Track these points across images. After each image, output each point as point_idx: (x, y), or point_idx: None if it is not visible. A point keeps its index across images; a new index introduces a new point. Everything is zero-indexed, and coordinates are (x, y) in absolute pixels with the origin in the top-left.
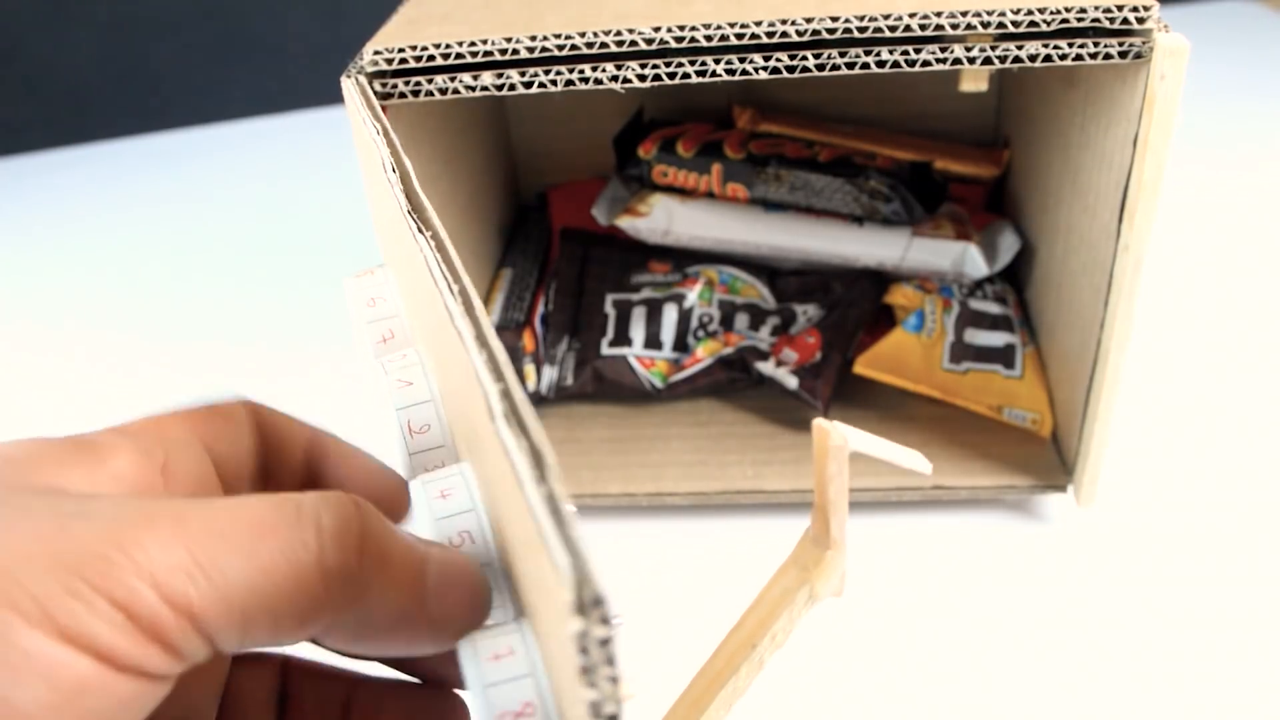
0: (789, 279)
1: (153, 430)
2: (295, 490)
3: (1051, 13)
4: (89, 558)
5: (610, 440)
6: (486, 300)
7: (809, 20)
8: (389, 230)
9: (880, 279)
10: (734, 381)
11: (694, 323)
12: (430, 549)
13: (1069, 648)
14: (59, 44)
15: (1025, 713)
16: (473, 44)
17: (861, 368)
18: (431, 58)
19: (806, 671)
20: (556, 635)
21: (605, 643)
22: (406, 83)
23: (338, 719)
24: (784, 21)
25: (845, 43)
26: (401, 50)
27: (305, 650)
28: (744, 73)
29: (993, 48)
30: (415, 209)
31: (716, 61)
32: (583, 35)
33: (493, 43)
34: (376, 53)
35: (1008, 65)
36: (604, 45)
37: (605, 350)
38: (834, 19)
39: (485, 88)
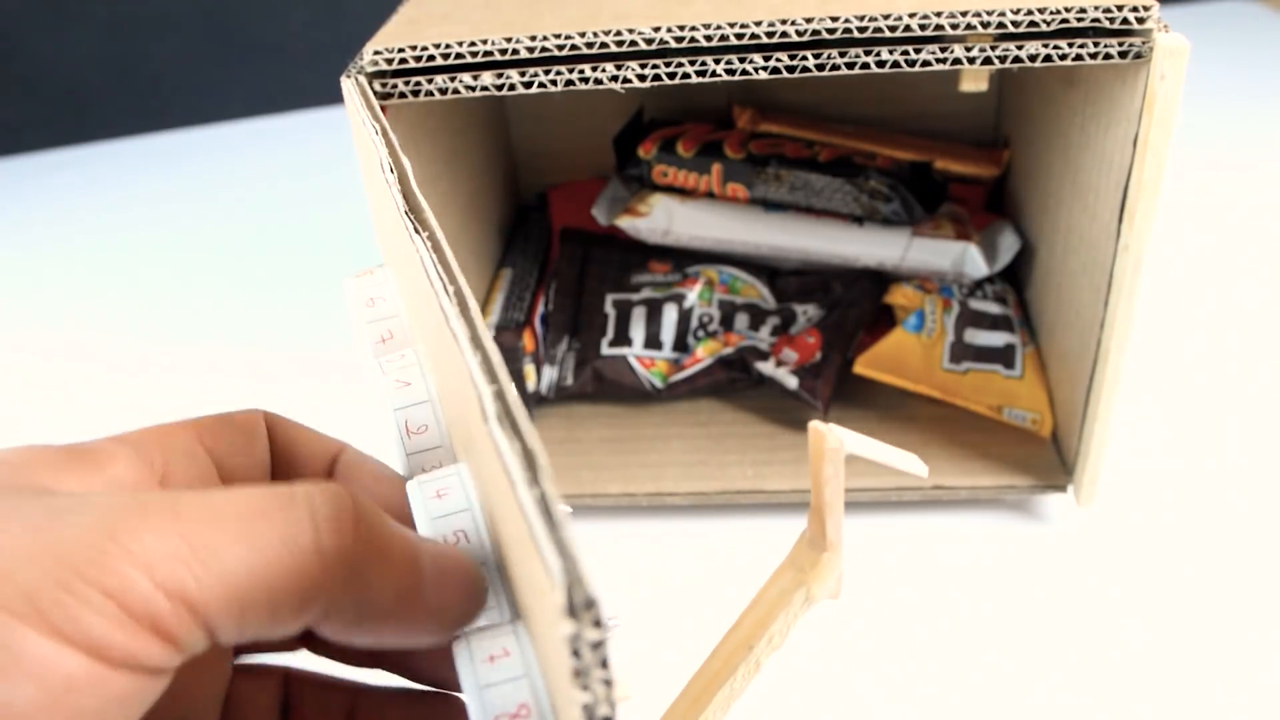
0: (789, 279)
1: (154, 439)
2: None
3: (1051, 13)
4: (81, 550)
5: (610, 440)
6: (486, 300)
7: (809, 20)
8: (388, 230)
9: (880, 279)
10: (734, 381)
11: (694, 323)
12: (425, 543)
13: (1069, 647)
14: (59, 44)
15: (1025, 713)
16: (473, 44)
17: (861, 368)
18: (431, 58)
19: (806, 672)
20: (549, 638)
21: (598, 645)
22: (406, 83)
23: None
24: (784, 21)
25: (845, 43)
26: (401, 50)
27: (308, 661)
28: (744, 73)
29: (993, 48)
30: (412, 209)
31: (716, 61)
32: (583, 35)
33: (493, 43)
34: (376, 53)
35: (1008, 65)
36: (604, 45)
37: (605, 350)
38: (834, 19)
39: (485, 88)
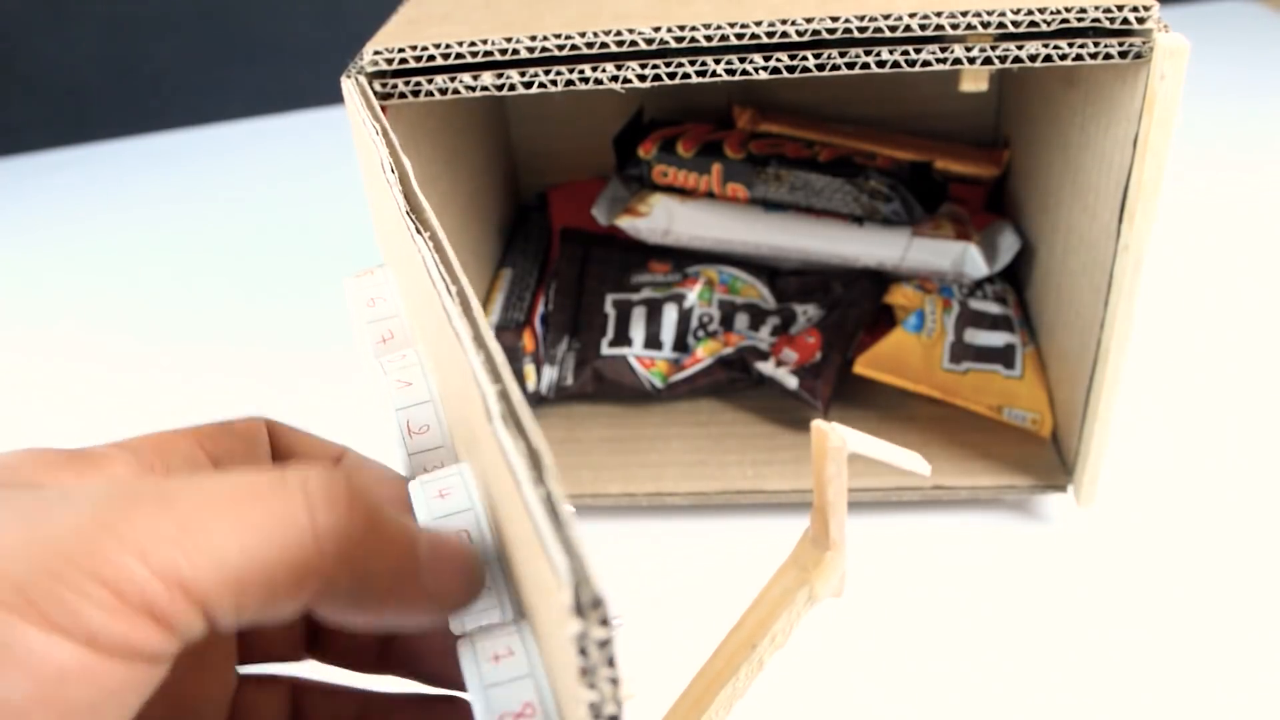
0: (789, 279)
1: (154, 444)
2: None
3: (1051, 13)
4: (72, 538)
5: (610, 440)
6: (486, 300)
7: (809, 20)
8: (388, 230)
9: (880, 279)
10: (734, 381)
11: (694, 323)
12: (423, 529)
13: (1069, 647)
14: (59, 44)
15: (1025, 712)
16: (473, 44)
17: (861, 368)
18: (431, 58)
19: (806, 672)
20: (556, 636)
21: (604, 644)
22: (406, 83)
23: None
24: (784, 21)
25: (845, 43)
26: (401, 50)
27: (316, 671)
28: (744, 73)
29: (993, 48)
30: (414, 209)
31: (716, 61)
32: (583, 35)
33: (493, 43)
34: (376, 53)
35: (1008, 65)
36: (604, 45)
37: (605, 350)
38: (834, 19)
39: (485, 88)
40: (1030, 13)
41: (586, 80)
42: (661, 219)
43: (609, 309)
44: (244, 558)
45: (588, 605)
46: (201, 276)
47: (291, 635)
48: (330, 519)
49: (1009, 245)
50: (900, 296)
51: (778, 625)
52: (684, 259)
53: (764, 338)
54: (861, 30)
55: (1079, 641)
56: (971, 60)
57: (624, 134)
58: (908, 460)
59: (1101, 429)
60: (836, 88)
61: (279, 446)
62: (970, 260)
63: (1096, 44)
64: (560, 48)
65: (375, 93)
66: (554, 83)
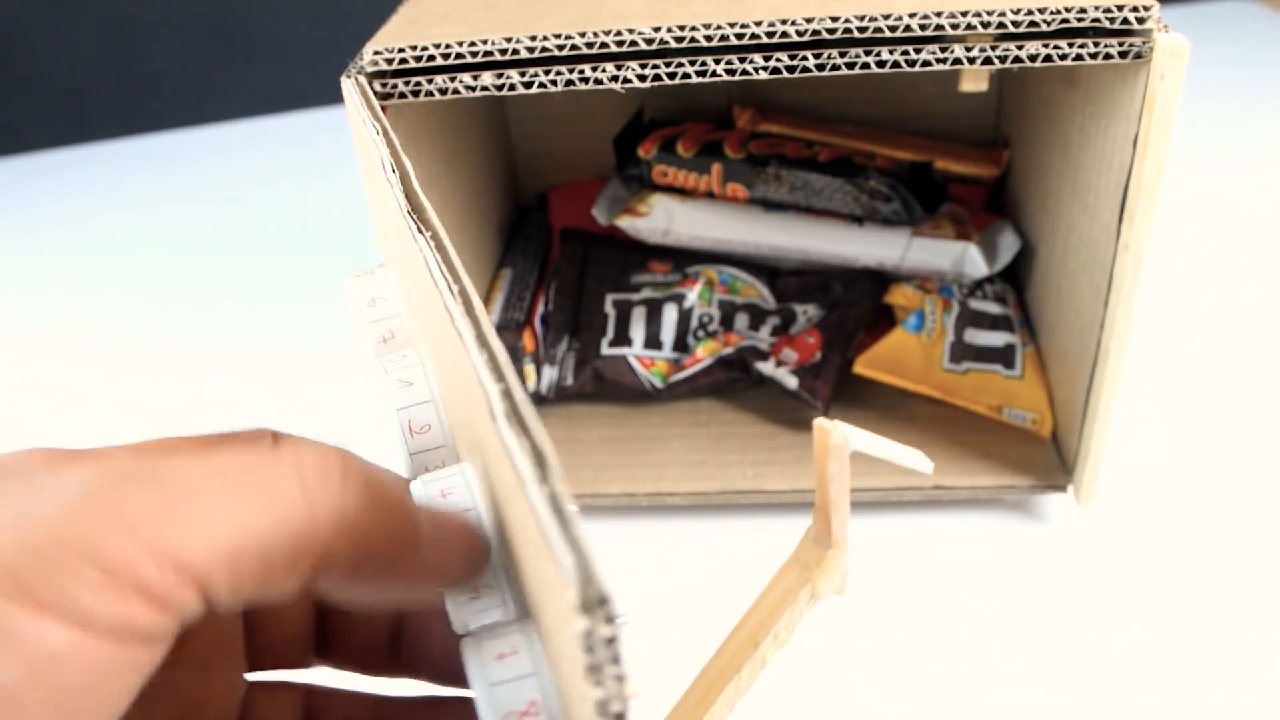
0: (789, 279)
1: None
2: None
3: (1051, 13)
4: (61, 520)
5: (610, 440)
6: (486, 300)
7: (809, 20)
8: (389, 230)
9: (880, 279)
10: (734, 381)
11: (694, 323)
12: (423, 507)
13: (1069, 647)
14: (59, 44)
15: (1025, 712)
16: (473, 44)
17: (861, 368)
18: (431, 58)
19: (806, 672)
20: (562, 634)
21: (611, 641)
22: (406, 83)
23: None
24: (784, 21)
25: (845, 43)
26: (401, 50)
27: (328, 677)
28: (744, 73)
29: (993, 48)
30: (415, 209)
31: (716, 61)
32: (583, 35)
33: (493, 43)
34: (376, 53)
35: (1008, 65)
36: (604, 45)
37: (605, 350)
38: (834, 19)
39: (485, 88)
40: (1030, 13)
41: (586, 80)
42: (661, 219)
43: (609, 309)
44: (237, 533)
45: (594, 602)
46: (201, 276)
47: (300, 636)
48: (325, 493)
49: (1009, 245)
50: (900, 296)
51: (780, 623)
52: (684, 259)
53: (764, 338)
54: (861, 30)
55: (1079, 641)
56: (971, 60)
57: (624, 134)
58: (910, 458)
59: (1101, 429)
60: (836, 88)
61: None
62: (970, 260)
63: (1096, 44)
64: (560, 48)
65: (375, 93)
66: (554, 83)
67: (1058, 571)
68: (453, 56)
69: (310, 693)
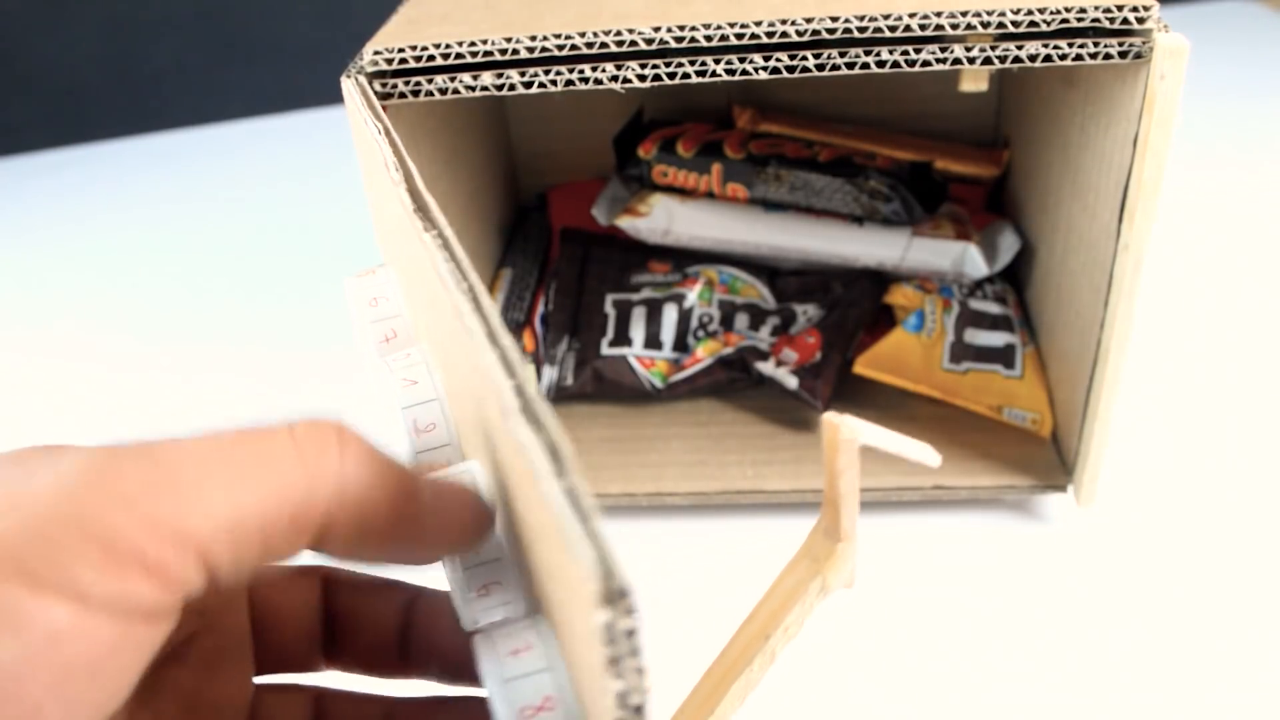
0: (789, 279)
1: None
2: None
3: (1051, 13)
4: (58, 498)
5: (610, 440)
6: None
7: (809, 20)
8: (391, 230)
9: (880, 279)
10: (734, 381)
11: (694, 323)
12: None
13: (1069, 647)
14: (59, 44)
15: (1025, 712)
16: (473, 44)
17: (861, 368)
18: (431, 58)
19: (807, 672)
20: (580, 627)
21: (631, 633)
22: (406, 83)
23: None
24: (784, 21)
25: (845, 43)
26: (401, 50)
27: (339, 680)
28: (744, 73)
29: (993, 48)
30: (420, 208)
31: (716, 61)
32: (583, 35)
33: (493, 43)
34: (376, 53)
35: (1008, 65)
36: (604, 45)
37: (605, 350)
38: (834, 19)
39: (485, 88)
40: (1030, 13)
41: (586, 80)
42: (661, 219)
43: (609, 309)
44: (237, 503)
45: (615, 595)
46: (201, 276)
47: (308, 637)
48: (323, 461)
49: (1009, 245)
50: (900, 296)
51: (790, 617)
52: (684, 259)
53: (764, 338)
54: (861, 30)
55: (1079, 641)
56: (971, 60)
57: (624, 134)
58: (918, 451)
59: (1101, 429)
60: (836, 88)
61: None
62: (970, 260)
63: (1096, 44)
64: (560, 48)
65: (375, 92)
66: (554, 83)
67: (1058, 571)
68: (453, 56)
69: (319, 695)
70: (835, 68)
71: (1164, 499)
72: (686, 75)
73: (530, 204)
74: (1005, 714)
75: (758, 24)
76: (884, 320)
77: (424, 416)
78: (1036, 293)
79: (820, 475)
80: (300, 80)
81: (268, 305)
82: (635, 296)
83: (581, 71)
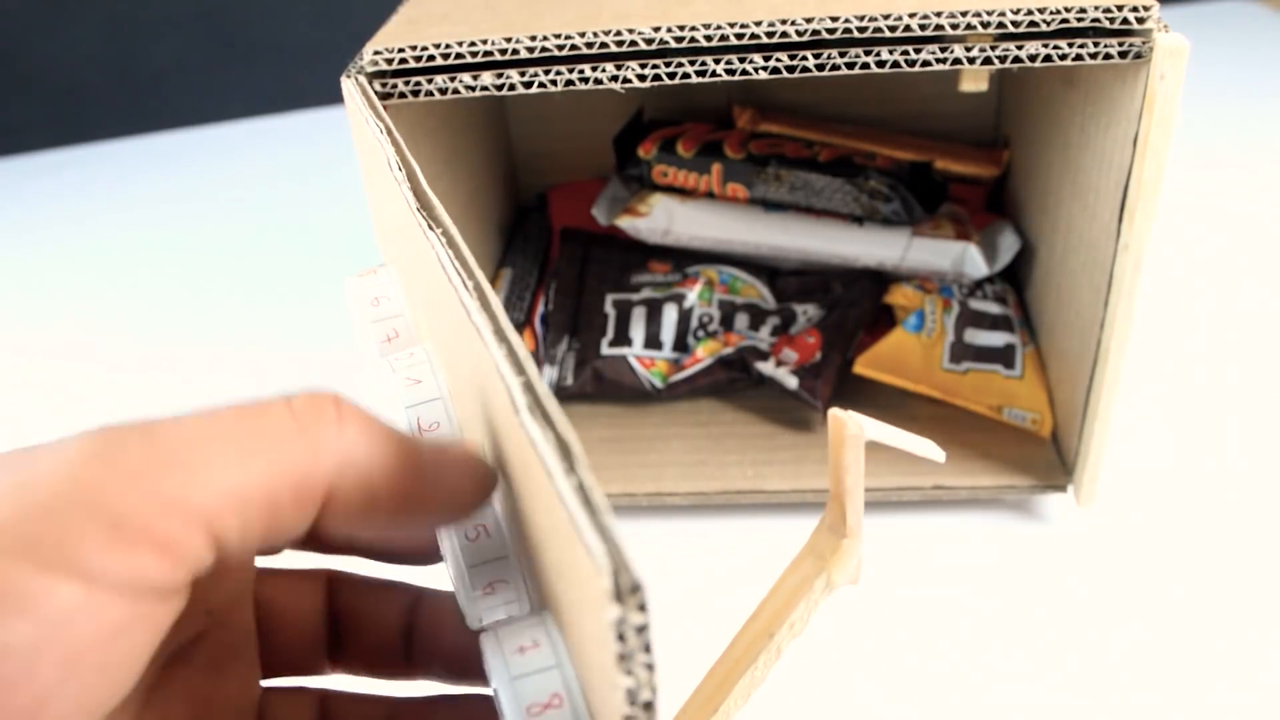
0: (789, 279)
1: None
2: None
3: (1051, 13)
4: (63, 476)
5: (610, 440)
6: None
7: (809, 20)
8: (393, 229)
9: (880, 279)
10: (734, 381)
11: (694, 323)
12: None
13: (1069, 647)
14: (59, 44)
15: (1025, 712)
16: (473, 44)
17: (861, 368)
18: (431, 58)
19: (807, 671)
20: (591, 623)
21: (642, 629)
22: (406, 83)
23: None
24: (784, 21)
25: (845, 43)
26: (401, 50)
27: (344, 682)
28: (744, 73)
29: (993, 48)
30: (424, 206)
31: (716, 61)
32: (582, 35)
33: (493, 43)
34: (376, 53)
35: (1008, 65)
36: (604, 45)
37: (605, 350)
38: (834, 19)
39: (485, 88)
40: (1030, 13)
41: (586, 80)
42: (661, 219)
43: (609, 309)
44: (242, 476)
45: (626, 590)
46: (201, 276)
47: (313, 637)
48: (323, 431)
49: (1009, 245)
50: (900, 296)
51: (795, 613)
52: (684, 259)
53: (764, 338)
54: (861, 30)
55: (1079, 641)
56: (971, 60)
57: (624, 134)
58: (922, 447)
59: (1101, 429)
60: (836, 88)
61: None
62: (970, 260)
63: (1096, 44)
64: (560, 48)
65: (375, 92)
66: (554, 83)
67: (1058, 571)
68: (453, 56)
69: (325, 696)
70: (835, 68)
71: (1164, 499)
72: (686, 75)
73: (530, 204)
74: (1005, 714)
75: (758, 24)
76: (884, 320)
77: (428, 415)
78: (1036, 293)
79: (821, 475)
80: (300, 80)
81: (268, 305)
82: (635, 296)
83: (581, 71)
